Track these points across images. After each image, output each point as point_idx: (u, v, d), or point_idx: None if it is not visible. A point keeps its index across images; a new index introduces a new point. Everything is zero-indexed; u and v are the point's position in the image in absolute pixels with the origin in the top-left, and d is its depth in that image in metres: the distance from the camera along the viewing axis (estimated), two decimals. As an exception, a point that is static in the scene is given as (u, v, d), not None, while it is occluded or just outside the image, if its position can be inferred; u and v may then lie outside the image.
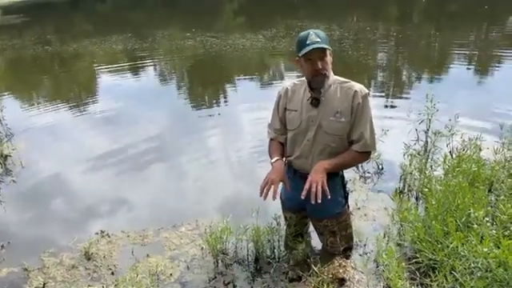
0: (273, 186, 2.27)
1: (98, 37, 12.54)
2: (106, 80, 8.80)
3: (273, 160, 2.45)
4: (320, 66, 2.28)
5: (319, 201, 2.18)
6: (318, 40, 2.22)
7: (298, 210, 2.70)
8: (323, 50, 2.25)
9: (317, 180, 2.21)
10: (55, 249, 3.12)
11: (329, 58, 2.31)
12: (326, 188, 2.21)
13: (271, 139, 2.64)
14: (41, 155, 4.83)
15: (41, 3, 22.25)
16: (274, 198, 2.28)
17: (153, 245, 3.13)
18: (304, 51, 2.24)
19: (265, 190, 2.27)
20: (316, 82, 2.34)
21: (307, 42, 2.24)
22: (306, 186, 2.21)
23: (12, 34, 14.93)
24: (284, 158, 2.55)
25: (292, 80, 2.58)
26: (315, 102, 2.36)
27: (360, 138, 2.35)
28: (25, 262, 2.94)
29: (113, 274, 2.83)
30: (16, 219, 3.64)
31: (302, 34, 2.29)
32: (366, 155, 2.45)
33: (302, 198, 2.22)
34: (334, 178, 2.50)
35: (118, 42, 11.84)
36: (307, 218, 2.78)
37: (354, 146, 2.39)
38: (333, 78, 2.40)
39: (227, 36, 11.71)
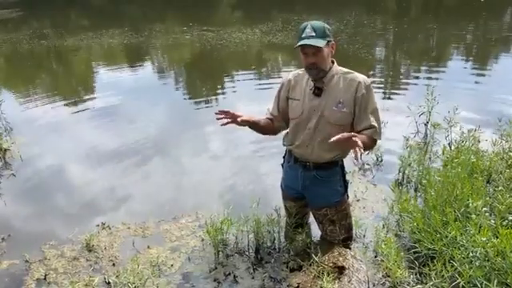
0: (231, 114, 2.41)
1: (94, 31, 12.45)
2: (103, 74, 8.76)
3: None
4: (312, 61, 2.28)
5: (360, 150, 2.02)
6: (313, 34, 2.22)
7: (298, 198, 2.73)
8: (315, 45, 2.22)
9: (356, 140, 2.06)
10: (56, 241, 3.12)
11: (325, 52, 2.29)
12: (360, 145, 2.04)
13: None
14: (40, 149, 4.81)
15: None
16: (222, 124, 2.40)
17: (153, 236, 3.15)
18: (297, 44, 2.26)
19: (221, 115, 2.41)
20: (310, 74, 2.36)
21: (302, 36, 2.25)
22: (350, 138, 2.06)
23: (8, 28, 14.80)
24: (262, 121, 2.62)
25: (296, 70, 2.58)
26: (317, 91, 2.38)
27: (369, 126, 2.35)
28: (26, 254, 2.95)
29: (114, 265, 2.85)
30: (16, 212, 3.64)
31: (302, 25, 2.30)
32: (374, 142, 2.45)
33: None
34: (334, 167, 2.52)
35: (115, 36, 11.76)
36: (307, 207, 2.80)
37: (364, 131, 2.35)
38: (336, 68, 2.41)
39: (224, 30, 11.66)
